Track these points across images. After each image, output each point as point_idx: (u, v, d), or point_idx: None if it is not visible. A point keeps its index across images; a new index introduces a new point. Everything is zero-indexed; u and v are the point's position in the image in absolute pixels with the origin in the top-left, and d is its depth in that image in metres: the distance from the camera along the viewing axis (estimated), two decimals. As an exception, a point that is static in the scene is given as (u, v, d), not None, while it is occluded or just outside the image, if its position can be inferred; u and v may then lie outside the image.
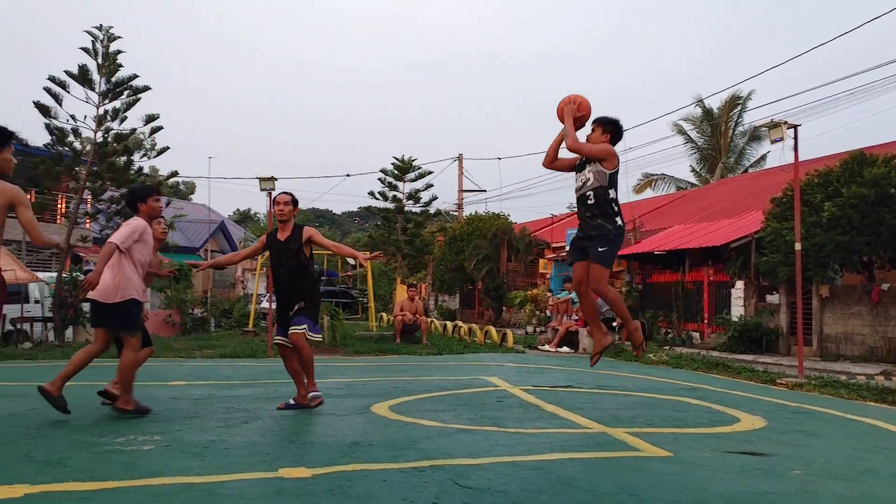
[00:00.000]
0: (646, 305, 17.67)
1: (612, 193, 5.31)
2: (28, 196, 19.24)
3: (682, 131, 32.49)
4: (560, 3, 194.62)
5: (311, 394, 6.25)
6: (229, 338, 15.39)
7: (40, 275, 16.78)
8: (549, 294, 21.01)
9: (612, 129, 5.47)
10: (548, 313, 18.96)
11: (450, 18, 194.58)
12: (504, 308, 24.56)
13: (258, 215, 65.21)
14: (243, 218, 62.95)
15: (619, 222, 5.33)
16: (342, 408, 6.23)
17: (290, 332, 6.06)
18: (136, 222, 5.68)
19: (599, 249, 5.25)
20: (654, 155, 56.97)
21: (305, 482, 3.62)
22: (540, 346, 13.99)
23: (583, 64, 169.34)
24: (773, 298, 13.99)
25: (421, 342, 14.11)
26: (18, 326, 14.44)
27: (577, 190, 5.45)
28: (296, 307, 6.10)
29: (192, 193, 53.91)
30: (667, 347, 14.25)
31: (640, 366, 11.06)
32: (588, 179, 5.34)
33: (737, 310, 14.68)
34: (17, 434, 4.81)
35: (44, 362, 10.74)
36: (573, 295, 13.99)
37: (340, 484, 3.59)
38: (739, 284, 14.84)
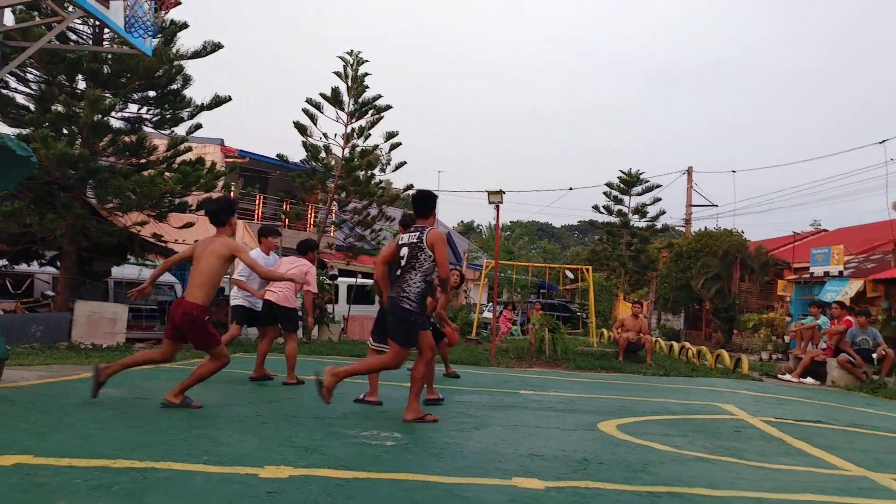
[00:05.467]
0: (909, 337, 15.52)
1: None
2: (284, 206, 21.34)
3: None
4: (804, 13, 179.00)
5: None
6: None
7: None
8: (788, 318, 19.29)
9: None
10: (787, 339, 17.39)
11: (676, 27, 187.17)
12: (734, 331, 22.96)
13: (480, 227, 67.31)
14: (467, 230, 65.30)
15: None
16: (568, 423, 6.18)
17: None
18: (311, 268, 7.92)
19: None
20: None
21: (539, 494, 3.63)
22: (780, 375, 12.84)
23: (831, 71, 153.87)
24: None
25: (645, 362, 13.61)
26: (273, 323, 16.15)
27: None
28: None
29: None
30: (937, 387, 12.38)
31: (903, 405, 9.73)
32: None
33: None
34: (278, 420, 5.37)
35: (295, 356, 11.90)
36: (820, 321, 12.69)
37: (575, 500, 3.55)
38: None
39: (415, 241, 5.68)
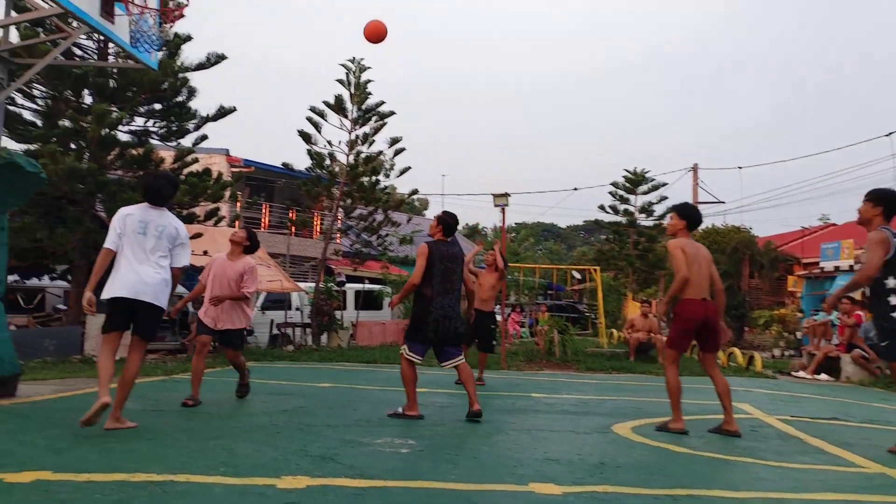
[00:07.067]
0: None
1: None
2: (290, 214, 21.40)
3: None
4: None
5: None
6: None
7: (301, 285, 18.69)
8: (799, 314, 19.20)
9: (883, 205, 5.15)
10: (799, 336, 17.31)
11: (691, 24, 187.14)
12: (745, 328, 22.85)
13: (485, 230, 67.26)
14: (472, 233, 65.20)
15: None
16: (582, 426, 6.17)
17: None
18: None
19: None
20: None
21: (558, 499, 3.61)
22: (794, 373, 12.77)
23: (837, 65, 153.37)
24: None
25: (657, 362, 13.57)
26: (283, 331, 16.19)
27: None
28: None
29: (426, 209, 57.05)
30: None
31: (918, 400, 9.67)
32: None
33: None
34: (292, 429, 5.37)
35: (305, 364, 11.94)
36: (832, 317, 12.63)
37: (593, 505, 3.54)
38: None
39: None
